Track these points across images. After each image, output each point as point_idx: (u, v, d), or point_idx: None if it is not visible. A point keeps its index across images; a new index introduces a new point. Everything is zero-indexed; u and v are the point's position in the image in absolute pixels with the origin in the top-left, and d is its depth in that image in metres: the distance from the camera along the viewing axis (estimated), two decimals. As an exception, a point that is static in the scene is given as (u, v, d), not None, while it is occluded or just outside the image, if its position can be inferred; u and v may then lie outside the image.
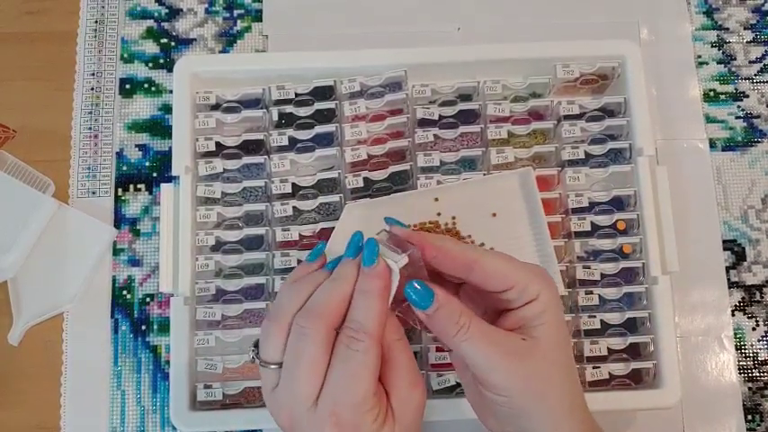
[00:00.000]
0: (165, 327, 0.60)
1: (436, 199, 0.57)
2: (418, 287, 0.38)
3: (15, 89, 0.64)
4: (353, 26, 0.66)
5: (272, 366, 0.38)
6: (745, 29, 0.66)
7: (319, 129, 0.58)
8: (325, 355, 0.36)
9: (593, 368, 0.54)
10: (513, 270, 0.39)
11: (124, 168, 0.63)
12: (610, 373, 0.54)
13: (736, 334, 0.60)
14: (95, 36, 0.66)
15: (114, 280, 0.61)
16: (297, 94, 0.59)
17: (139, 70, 0.65)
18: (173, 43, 0.66)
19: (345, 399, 0.36)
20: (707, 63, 0.65)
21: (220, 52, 0.65)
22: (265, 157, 0.58)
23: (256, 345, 0.39)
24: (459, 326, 0.37)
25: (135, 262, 0.61)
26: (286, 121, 0.59)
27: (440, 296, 0.38)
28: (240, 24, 0.66)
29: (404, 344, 0.39)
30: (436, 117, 0.58)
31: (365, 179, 0.57)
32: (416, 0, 0.66)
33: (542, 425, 0.38)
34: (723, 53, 0.66)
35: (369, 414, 0.36)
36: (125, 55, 0.65)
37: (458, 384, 0.54)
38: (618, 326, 0.55)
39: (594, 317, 0.55)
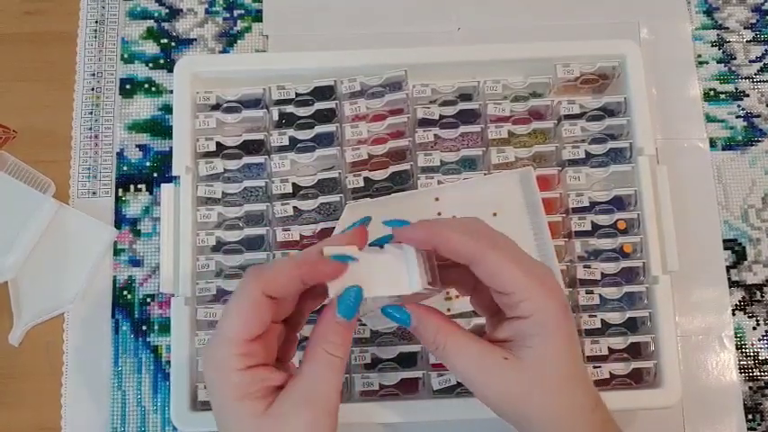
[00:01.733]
0: (165, 327, 0.60)
1: (437, 199, 0.57)
2: (393, 311, 0.39)
3: (15, 90, 0.64)
4: (353, 26, 0.66)
5: None
6: (745, 28, 0.66)
7: (320, 129, 0.58)
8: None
9: (594, 368, 0.54)
10: (515, 276, 0.37)
11: (124, 168, 0.63)
12: (610, 373, 0.54)
13: (736, 333, 0.60)
14: (95, 36, 0.66)
15: (115, 280, 0.61)
16: (297, 94, 0.59)
17: (140, 70, 0.65)
18: (173, 43, 0.66)
19: (220, 332, 0.36)
20: (707, 62, 0.65)
21: (220, 52, 0.65)
22: (266, 157, 0.58)
23: None
24: (435, 344, 0.38)
25: (135, 262, 0.61)
26: (286, 121, 0.59)
27: (414, 315, 0.38)
28: (240, 24, 0.66)
29: (334, 361, 0.37)
30: (436, 117, 0.58)
31: (366, 179, 0.57)
32: (416, 0, 0.66)
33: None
34: (723, 52, 0.66)
35: (235, 359, 0.35)
36: (125, 55, 0.65)
37: (458, 384, 0.54)
38: (618, 325, 0.55)
39: (595, 316, 0.55)
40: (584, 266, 0.56)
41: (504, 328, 0.38)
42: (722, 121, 0.64)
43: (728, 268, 0.61)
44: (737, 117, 0.64)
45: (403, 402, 0.54)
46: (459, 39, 0.65)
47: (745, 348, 0.60)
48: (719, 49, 0.66)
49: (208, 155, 0.58)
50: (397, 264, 0.39)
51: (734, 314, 0.60)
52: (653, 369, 0.54)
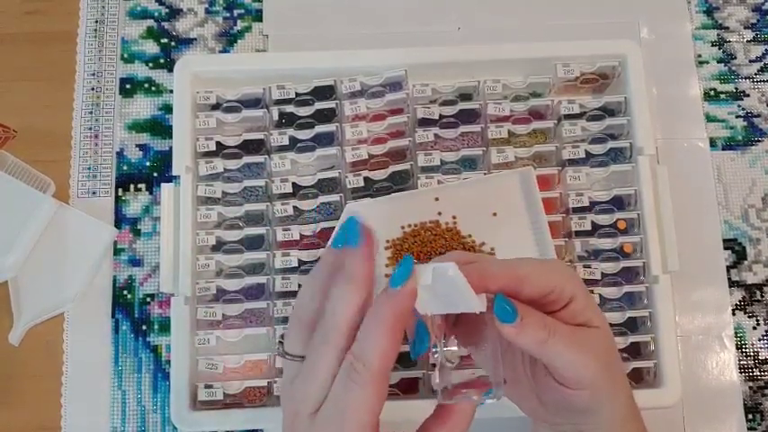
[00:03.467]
0: (165, 326, 0.60)
1: (437, 199, 0.57)
2: (506, 306, 0.36)
3: (15, 89, 0.64)
4: (353, 26, 0.66)
5: (298, 359, 0.37)
6: (745, 28, 0.66)
7: (320, 128, 0.58)
8: (336, 368, 0.35)
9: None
10: (546, 273, 0.38)
11: (124, 168, 0.63)
12: (610, 373, 0.54)
13: (736, 333, 0.60)
14: (95, 36, 0.66)
15: (115, 280, 0.61)
16: (297, 94, 0.59)
17: (140, 70, 0.65)
18: (173, 43, 0.66)
19: (336, 428, 0.34)
20: (707, 62, 0.65)
21: (220, 52, 0.65)
22: (266, 156, 0.58)
23: (283, 336, 0.39)
24: (547, 329, 0.37)
25: (135, 262, 0.61)
26: (286, 120, 0.59)
27: (520, 308, 0.37)
28: (240, 24, 0.66)
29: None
30: (437, 116, 0.58)
31: (366, 179, 0.57)
32: (416, 0, 0.66)
33: (613, 411, 0.38)
34: (723, 52, 0.66)
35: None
36: (125, 55, 0.65)
37: (458, 384, 0.54)
38: (618, 325, 0.55)
39: (595, 316, 0.55)
40: (585, 266, 0.56)
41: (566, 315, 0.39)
42: (722, 120, 0.64)
43: (728, 268, 0.61)
44: (738, 117, 0.64)
45: (403, 402, 0.54)
46: (459, 39, 0.65)
47: (745, 348, 0.60)
48: (720, 49, 0.66)
49: (208, 154, 0.58)
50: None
51: (734, 314, 0.60)
52: (653, 369, 0.54)
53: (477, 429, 0.55)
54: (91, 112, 0.64)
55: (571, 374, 0.37)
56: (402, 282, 0.35)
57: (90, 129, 0.64)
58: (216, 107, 0.59)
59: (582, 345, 0.37)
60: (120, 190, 0.62)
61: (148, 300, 0.60)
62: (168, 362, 0.58)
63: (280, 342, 0.39)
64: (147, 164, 0.63)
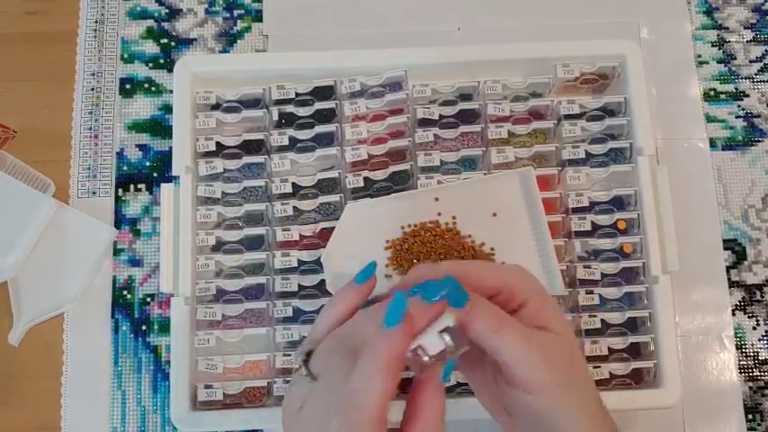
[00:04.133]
0: (165, 327, 0.60)
1: (437, 199, 0.57)
2: (456, 287, 0.36)
3: (15, 89, 0.64)
4: (353, 26, 0.66)
5: (315, 380, 0.36)
6: (745, 28, 0.66)
7: (319, 128, 0.58)
8: None
9: (594, 368, 0.54)
10: (495, 270, 0.39)
11: (124, 168, 0.63)
12: (610, 373, 0.54)
13: (736, 333, 0.60)
14: (95, 36, 0.66)
15: (115, 280, 0.61)
16: (297, 94, 0.59)
17: (140, 70, 0.65)
18: (173, 43, 0.66)
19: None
20: (707, 62, 0.65)
21: (220, 52, 0.65)
22: (266, 156, 0.58)
23: (309, 354, 0.37)
24: (500, 320, 0.36)
25: (135, 262, 0.61)
26: (286, 120, 0.59)
27: (473, 296, 0.36)
28: (240, 24, 0.66)
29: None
30: (436, 117, 0.58)
31: (365, 179, 0.57)
32: (416, 0, 0.66)
33: (569, 421, 0.37)
34: (723, 52, 0.66)
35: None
36: (125, 55, 0.65)
37: (459, 384, 0.54)
38: (618, 325, 0.55)
39: (595, 316, 0.55)
40: (584, 267, 0.56)
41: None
42: (722, 121, 0.64)
43: (728, 268, 0.61)
44: (737, 117, 0.64)
45: (403, 402, 0.53)
46: (459, 39, 0.65)
47: (745, 348, 0.60)
48: (719, 49, 0.66)
49: (208, 155, 0.58)
50: None
51: (734, 314, 0.60)
52: (653, 369, 0.54)
53: (479, 429, 0.55)
54: (91, 113, 0.64)
55: (519, 373, 0.36)
56: (397, 320, 0.33)
57: (90, 129, 0.64)
58: (216, 107, 0.59)
59: (535, 345, 0.36)
60: (119, 190, 0.62)
61: (148, 300, 0.60)
62: (168, 362, 0.58)
63: (304, 360, 0.37)
64: (147, 164, 0.63)
